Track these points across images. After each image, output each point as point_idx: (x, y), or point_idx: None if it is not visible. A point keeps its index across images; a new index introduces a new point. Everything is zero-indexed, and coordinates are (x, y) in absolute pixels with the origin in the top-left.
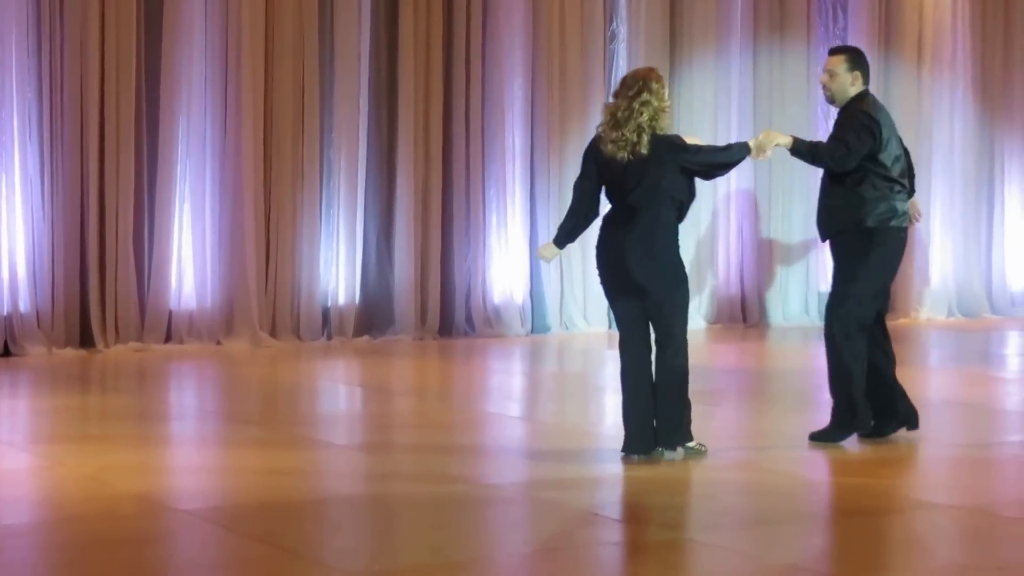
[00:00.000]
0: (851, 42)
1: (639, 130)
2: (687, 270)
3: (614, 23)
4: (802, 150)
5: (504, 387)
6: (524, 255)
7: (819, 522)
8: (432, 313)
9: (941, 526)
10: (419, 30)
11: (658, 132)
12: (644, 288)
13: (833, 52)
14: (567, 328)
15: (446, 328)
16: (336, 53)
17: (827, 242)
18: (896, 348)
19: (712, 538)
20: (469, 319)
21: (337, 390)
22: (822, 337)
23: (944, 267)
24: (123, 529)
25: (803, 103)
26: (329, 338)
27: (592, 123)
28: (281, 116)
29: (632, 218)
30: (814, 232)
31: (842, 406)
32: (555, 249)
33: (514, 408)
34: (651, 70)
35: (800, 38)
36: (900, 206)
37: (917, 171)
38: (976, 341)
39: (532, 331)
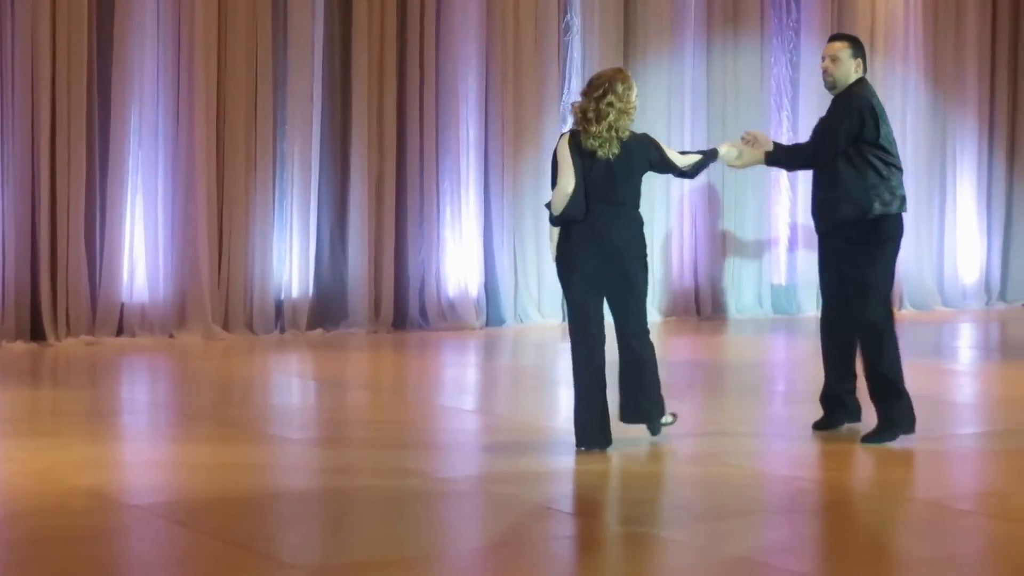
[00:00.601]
0: (803, 35)
1: (611, 129)
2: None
3: (568, 15)
4: (779, 157)
5: (458, 380)
6: (478, 247)
7: (773, 515)
8: (386, 306)
9: (893, 519)
10: (373, 22)
11: (620, 134)
12: (632, 282)
13: (835, 38)
14: (521, 321)
15: (400, 321)
16: (289, 44)
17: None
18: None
19: (666, 532)
20: (423, 312)
21: (290, 384)
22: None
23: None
24: (74, 525)
25: (757, 95)
26: (282, 331)
27: (547, 115)
28: (234, 108)
29: (620, 214)
30: (768, 226)
31: (895, 402)
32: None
33: (468, 401)
34: (618, 71)
35: (754, 31)
36: (901, 191)
37: None
38: (928, 333)
39: (486, 324)
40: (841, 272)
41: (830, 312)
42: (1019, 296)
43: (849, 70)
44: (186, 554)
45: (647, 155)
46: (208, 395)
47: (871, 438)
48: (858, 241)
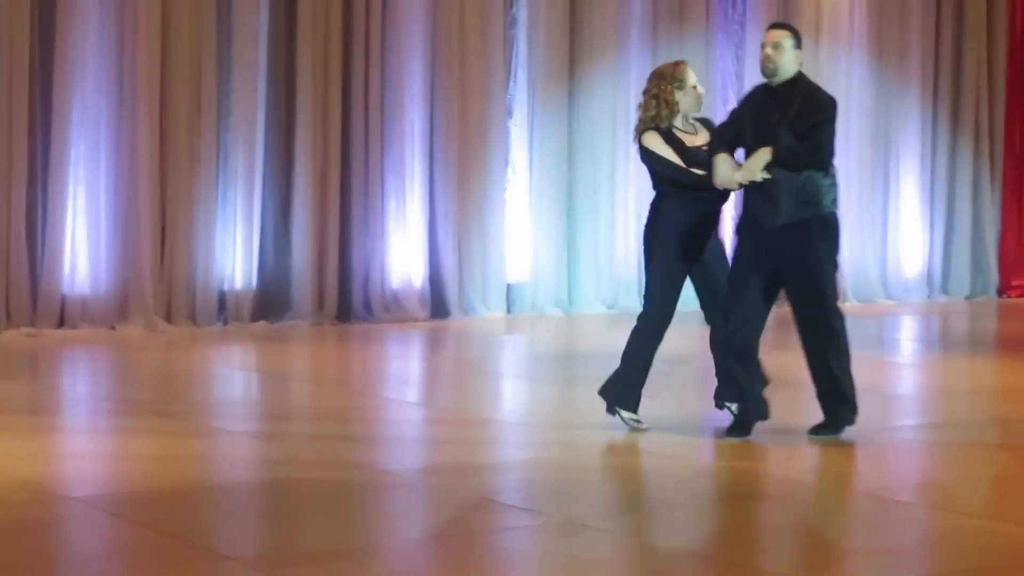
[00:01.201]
0: (748, 28)
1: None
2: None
3: (514, 8)
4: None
5: (402, 373)
6: (423, 240)
7: (710, 506)
8: (330, 298)
9: (832, 510)
10: (318, 13)
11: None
12: None
13: (778, 27)
14: (466, 313)
15: (344, 313)
16: (233, 35)
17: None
18: (793, 335)
19: (605, 523)
20: (367, 304)
21: (233, 376)
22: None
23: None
24: (12, 518)
25: (702, 87)
26: (225, 323)
27: (493, 108)
28: (177, 99)
29: None
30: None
31: (848, 396)
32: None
33: (412, 394)
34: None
35: (699, 24)
36: (836, 189)
37: None
38: (870, 326)
39: (431, 316)
40: (775, 273)
41: (747, 319)
42: (961, 289)
43: (791, 59)
44: (124, 546)
45: None
46: (149, 387)
47: (818, 431)
48: (809, 241)
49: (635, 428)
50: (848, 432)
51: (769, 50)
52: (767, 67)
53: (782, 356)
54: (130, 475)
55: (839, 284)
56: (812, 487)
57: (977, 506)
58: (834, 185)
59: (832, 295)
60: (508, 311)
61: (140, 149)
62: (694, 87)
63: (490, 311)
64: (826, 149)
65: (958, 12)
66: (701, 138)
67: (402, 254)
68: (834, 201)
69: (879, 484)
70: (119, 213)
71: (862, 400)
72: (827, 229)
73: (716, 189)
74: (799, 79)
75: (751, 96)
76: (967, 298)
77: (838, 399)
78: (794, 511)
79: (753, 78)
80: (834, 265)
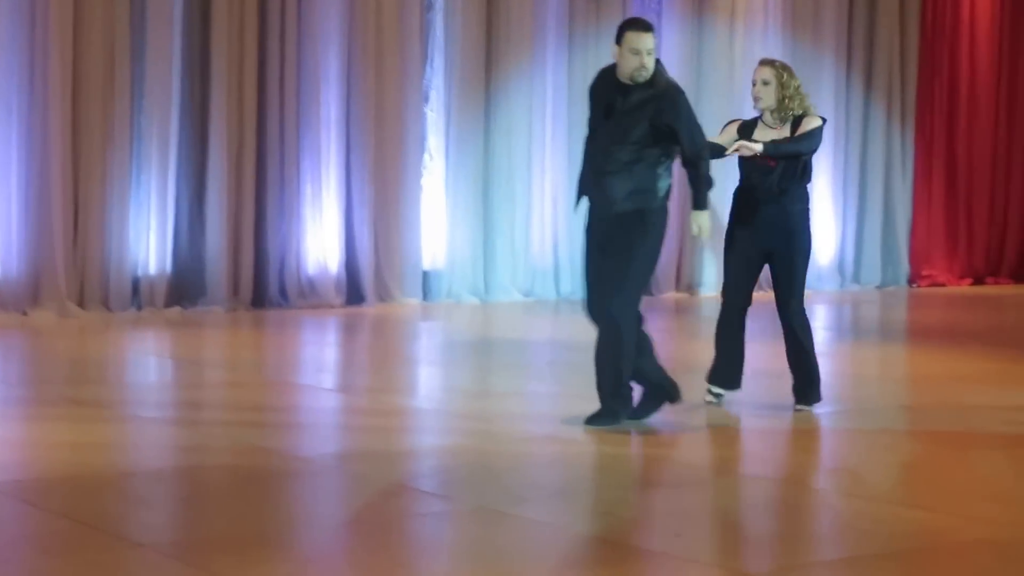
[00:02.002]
0: (666, 13)
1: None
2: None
3: None
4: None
5: (317, 359)
6: (339, 225)
7: (626, 493)
8: (245, 284)
9: (749, 496)
10: None
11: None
12: None
13: (650, 29)
14: (382, 300)
15: (259, 299)
16: (148, 17)
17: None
18: (700, 323)
19: (521, 510)
20: (283, 290)
21: (147, 362)
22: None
23: None
24: None
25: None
26: (139, 308)
27: (409, 92)
28: (90, 82)
29: None
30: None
31: (616, 387)
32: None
33: (327, 380)
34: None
35: (616, 11)
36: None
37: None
38: None
39: (346, 302)
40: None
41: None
42: (872, 278)
43: (652, 60)
44: (35, 533)
45: None
46: (62, 373)
47: (591, 420)
48: (633, 230)
49: None
50: (760, 418)
51: (646, 59)
52: (642, 75)
53: (691, 344)
54: (41, 462)
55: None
56: (723, 473)
57: (886, 492)
58: None
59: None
60: (424, 298)
61: (52, 132)
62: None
63: (406, 298)
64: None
65: (870, 11)
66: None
67: (318, 240)
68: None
69: (791, 470)
70: (31, 197)
71: (773, 387)
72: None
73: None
74: (666, 77)
75: None
76: (878, 287)
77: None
78: (706, 497)
79: (667, 66)
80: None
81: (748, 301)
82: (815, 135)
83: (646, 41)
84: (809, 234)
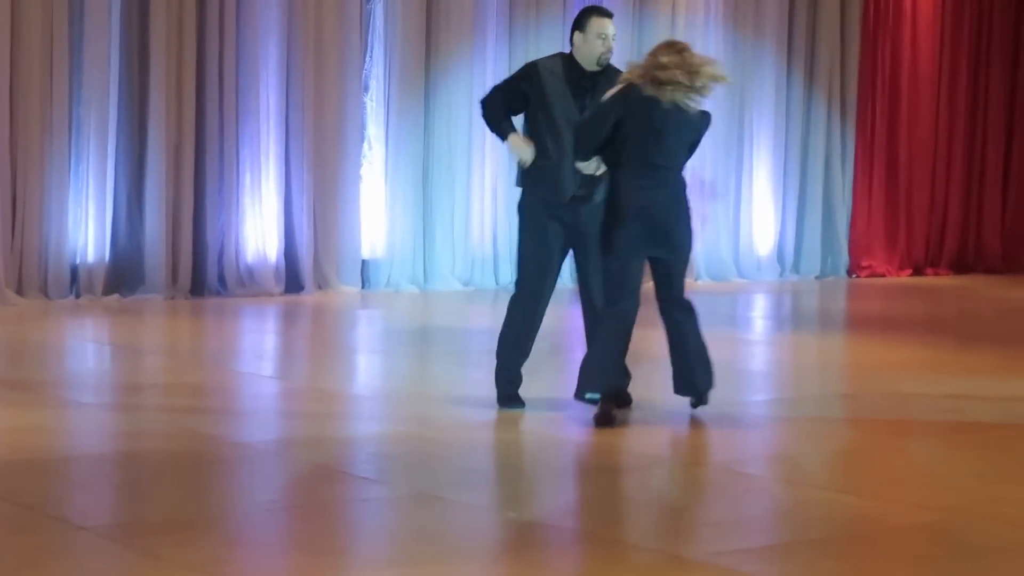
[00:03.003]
0: (606, 3)
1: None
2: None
3: None
4: None
5: (256, 347)
6: (278, 214)
7: (563, 478)
8: (184, 272)
9: (683, 482)
10: None
11: None
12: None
13: (612, 15)
14: (321, 288)
15: (198, 287)
16: (86, 6)
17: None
18: (644, 311)
19: (459, 495)
20: (222, 278)
21: (85, 349)
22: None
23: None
24: None
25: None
26: (78, 296)
27: (349, 82)
28: (28, 71)
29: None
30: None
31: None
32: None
33: (266, 368)
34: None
35: (556, 7)
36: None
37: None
38: (723, 304)
39: (286, 291)
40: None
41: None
42: (812, 269)
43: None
44: None
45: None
46: (0, 359)
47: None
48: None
49: None
50: (701, 407)
51: (611, 45)
52: (605, 60)
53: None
54: None
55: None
56: (663, 459)
57: (823, 479)
58: None
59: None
60: (363, 287)
61: None
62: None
63: (345, 286)
64: None
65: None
66: None
67: (257, 229)
68: None
69: (730, 457)
70: None
71: (717, 375)
72: None
73: None
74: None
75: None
76: (817, 278)
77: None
78: (645, 483)
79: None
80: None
81: None
82: None
83: (610, 26)
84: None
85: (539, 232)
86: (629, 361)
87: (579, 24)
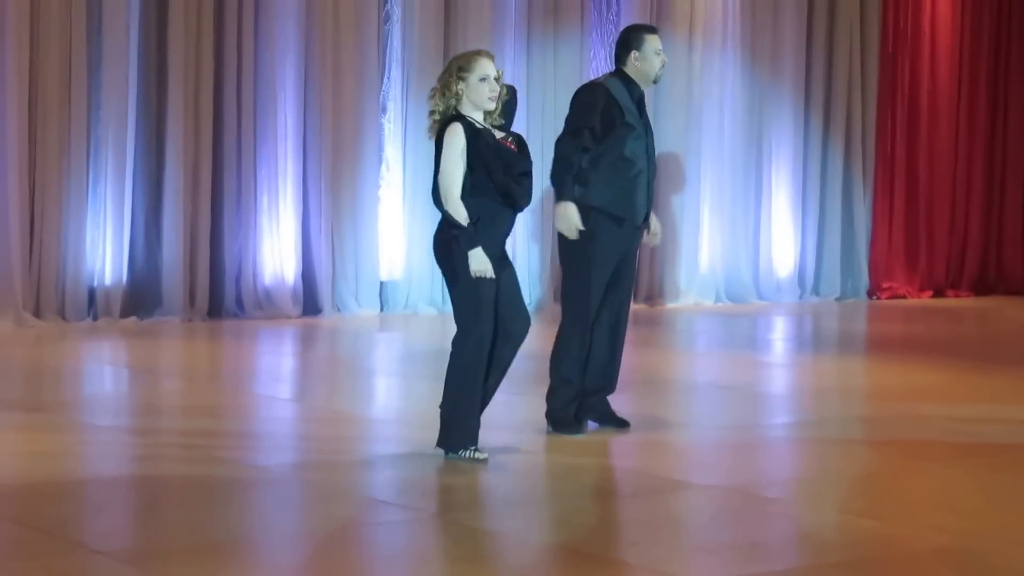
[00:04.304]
0: (623, 25)
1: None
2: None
3: (388, 4)
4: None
5: (274, 369)
6: (296, 236)
7: (584, 502)
8: (201, 294)
9: (701, 506)
10: (189, 5)
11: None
12: None
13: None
14: (339, 310)
15: (215, 309)
16: (104, 27)
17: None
18: (665, 334)
19: (479, 519)
20: (239, 300)
21: (103, 372)
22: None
23: (712, 252)
24: None
25: (575, 88)
26: (95, 318)
27: (366, 104)
28: (47, 91)
29: None
30: None
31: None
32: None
33: (284, 390)
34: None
35: (574, 23)
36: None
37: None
38: (743, 326)
39: (303, 313)
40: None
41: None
42: (832, 291)
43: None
44: None
45: None
46: (17, 383)
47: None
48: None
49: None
50: (719, 429)
51: (664, 58)
52: (661, 74)
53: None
54: None
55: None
56: (682, 482)
57: (842, 502)
58: None
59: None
60: (381, 309)
61: (9, 142)
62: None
63: (363, 309)
64: None
65: (831, 16)
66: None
67: (274, 251)
68: None
69: (747, 479)
70: None
71: (733, 398)
72: None
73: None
74: None
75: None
76: (837, 299)
77: None
78: (662, 506)
79: None
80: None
81: None
82: None
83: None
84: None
85: (611, 263)
86: (643, 382)
87: (634, 43)
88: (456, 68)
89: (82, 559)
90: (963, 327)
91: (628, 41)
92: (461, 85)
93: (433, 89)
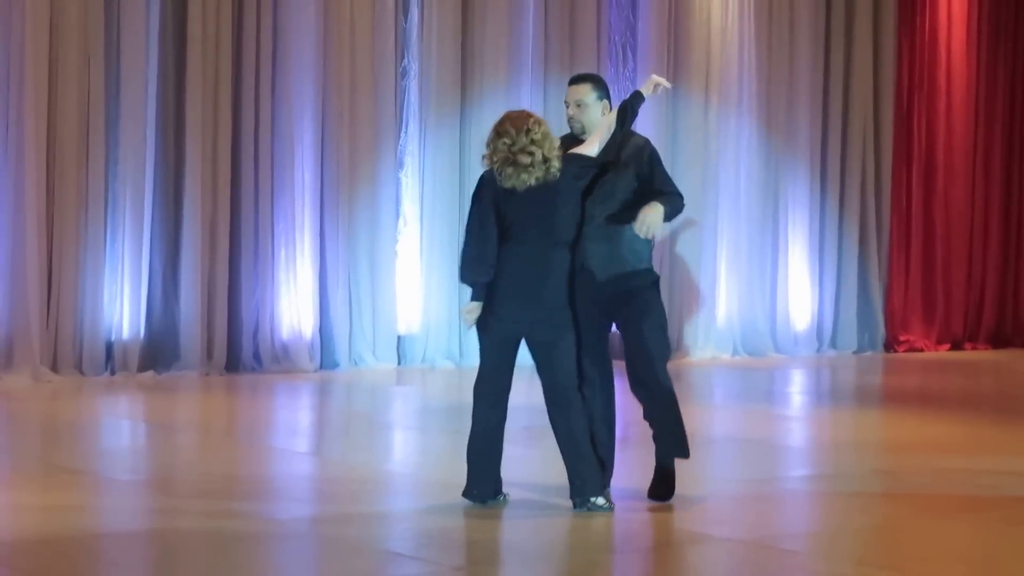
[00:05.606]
0: (639, 82)
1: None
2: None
3: (405, 59)
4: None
5: (291, 423)
6: (313, 290)
7: (600, 556)
8: (219, 348)
9: (717, 559)
10: (207, 61)
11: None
12: None
13: (578, 80)
14: (356, 364)
15: (233, 363)
16: (122, 82)
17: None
18: (683, 387)
19: (498, 573)
20: (257, 355)
21: (120, 426)
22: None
23: (730, 306)
24: None
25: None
26: (112, 373)
27: (384, 158)
28: (65, 145)
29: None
30: None
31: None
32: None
33: (301, 444)
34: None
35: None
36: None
37: (704, 210)
38: (760, 379)
39: (320, 367)
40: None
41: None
42: (849, 344)
43: (597, 113)
44: None
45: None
46: (35, 437)
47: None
48: (649, 295)
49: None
50: (736, 482)
51: (573, 111)
52: (575, 127)
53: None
54: (13, 524)
55: None
56: (699, 535)
57: (859, 554)
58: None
59: None
60: (399, 363)
61: (27, 195)
62: None
63: (380, 363)
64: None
65: (846, 72)
66: None
67: (292, 305)
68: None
69: (765, 532)
70: (5, 261)
71: (750, 451)
72: None
73: None
74: (633, 135)
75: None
76: (855, 352)
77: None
78: (681, 559)
79: (643, 133)
80: None
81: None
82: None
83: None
84: None
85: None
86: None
87: (608, 94)
88: None
89: None
90: (980, 380)
91: (606, 90)
92: None
93: None
